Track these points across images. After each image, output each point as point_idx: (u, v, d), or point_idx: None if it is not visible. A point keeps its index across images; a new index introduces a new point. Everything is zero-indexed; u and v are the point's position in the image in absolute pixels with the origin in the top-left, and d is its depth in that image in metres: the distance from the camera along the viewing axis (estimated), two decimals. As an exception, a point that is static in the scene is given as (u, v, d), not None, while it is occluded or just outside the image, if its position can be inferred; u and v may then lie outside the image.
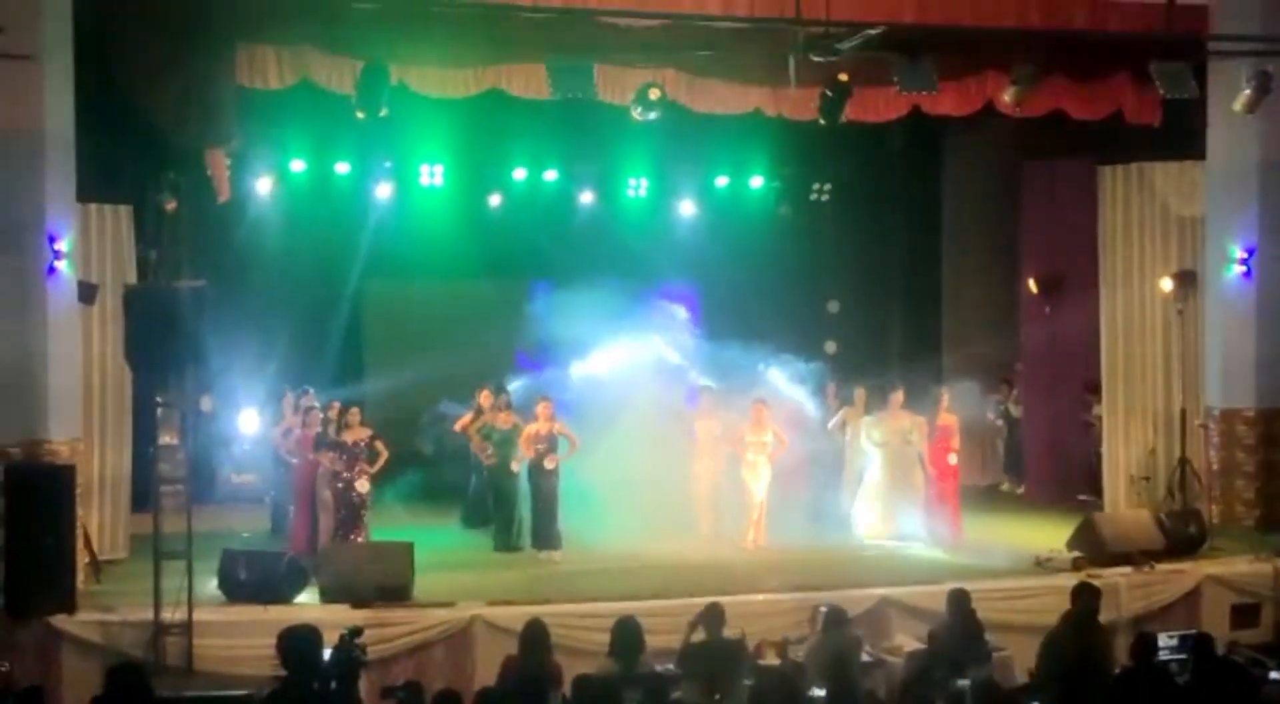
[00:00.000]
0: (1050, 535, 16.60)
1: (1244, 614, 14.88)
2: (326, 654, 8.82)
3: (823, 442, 18.03)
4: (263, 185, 19.04)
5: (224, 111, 14.42)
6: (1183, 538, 15.97)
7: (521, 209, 20.66)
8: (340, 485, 15.65)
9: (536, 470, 16.41)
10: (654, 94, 14.91)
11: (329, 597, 13.68)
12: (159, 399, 14.12)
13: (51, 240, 13.69)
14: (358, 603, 13.42)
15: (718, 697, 10.72)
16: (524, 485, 16.57)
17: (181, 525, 13.10)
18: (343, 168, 19.59)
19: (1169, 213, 18.03)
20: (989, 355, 21.36)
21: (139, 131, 14.94)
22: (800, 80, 14.90)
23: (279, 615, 12.45)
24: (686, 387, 18.42)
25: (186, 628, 12.73)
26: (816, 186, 22.22)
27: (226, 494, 19.09)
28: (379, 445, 15.97)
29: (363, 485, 15.68)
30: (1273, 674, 11.65)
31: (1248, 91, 15.41)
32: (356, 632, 9.49)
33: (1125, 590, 14.70)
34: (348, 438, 15.84)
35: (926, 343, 21.95)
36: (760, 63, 15.52)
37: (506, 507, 16.80)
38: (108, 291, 15.25)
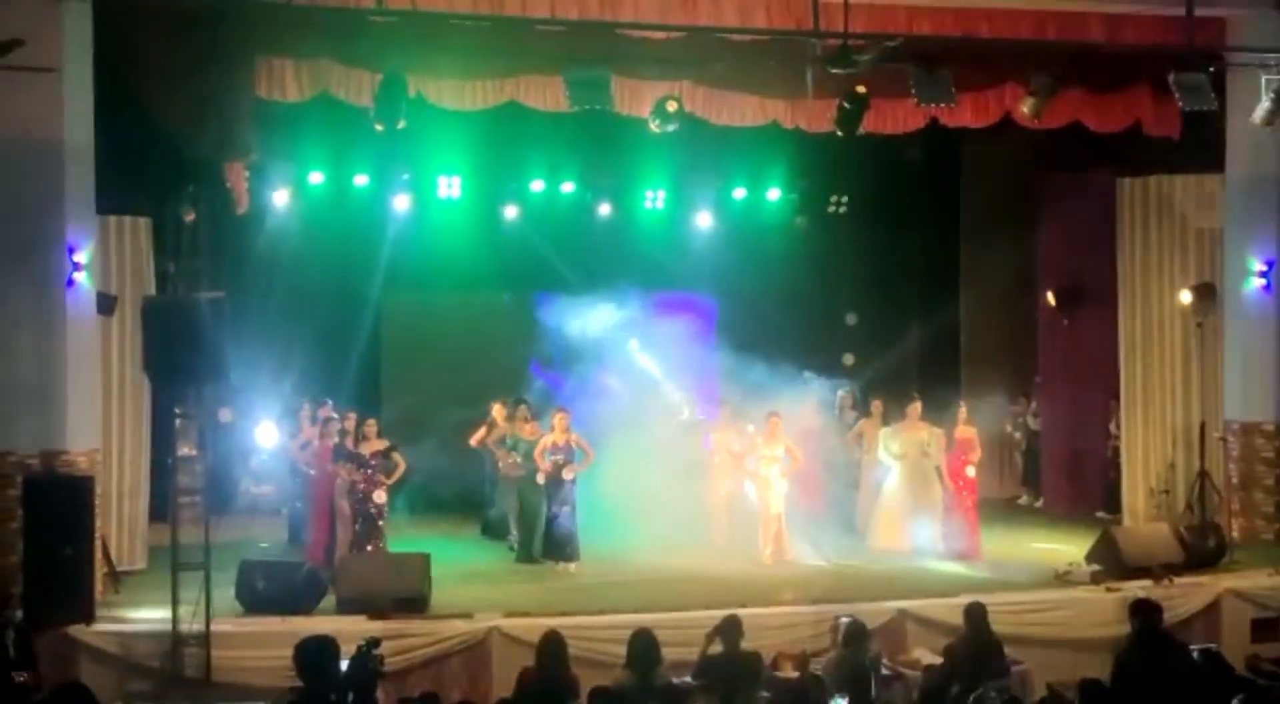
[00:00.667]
0: (1069, 549, 16.57)
1: (1264, 628, 14.80)
2: (344, 665, 8.81)
3: (839, 454, 18.03)
4: (281, 197, 19.06)
5: (242, 124, 14.45)
6: (1202, 551, 15.91)
7: (539, 221, 20.64)
8: (358, 497, 15.68)
9: (553, 482, 16.40)
10: (671, 106, 14.95)
11: (346, 608, 13.69)
12: (177, 410, 14.14)
13: (71, 252, 13.74)
14: (375, 614, 13.42)
15: (735, 709, 10.70)
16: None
17: (199, 536, 13.12)
18: (361, 180, 19.60)
19: (1188, 225, 17.97)
20: (1007, 368, 21.34)
21: (158, 144, 14.98)
22: (818, 92, 14.91)
23: (296, 626, 12.45)
24: (704, 400, 18.42)
25: (204, 639, 12.74)
26: (834, 199, 22.17)
27: (244, 505, 19.10)
28: (396, 457, 16.00)
29: (380, 497, 15.70)
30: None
31: (1267, 104, 15.36)
32: (374, 643, 9.47)
33: (1144, 604, 14.64)
34: (365, 449, 15.86)
35: (944, 355, 21.91)
36: (778, 75, 15.53)
37: (531, 518, 16.80)
38: (127, 303, 15.30)
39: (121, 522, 15.66)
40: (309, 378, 18.87)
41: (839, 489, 18.10)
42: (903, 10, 15.51)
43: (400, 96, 14.27)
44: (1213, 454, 17.39)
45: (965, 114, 16.30)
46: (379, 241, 20.03)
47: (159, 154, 15.48)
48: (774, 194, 21.71)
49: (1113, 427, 19.40)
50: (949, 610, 13.59)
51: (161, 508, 15.30)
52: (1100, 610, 14.63)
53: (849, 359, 22.48)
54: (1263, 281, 17.04)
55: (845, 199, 22.19)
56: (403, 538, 16.26)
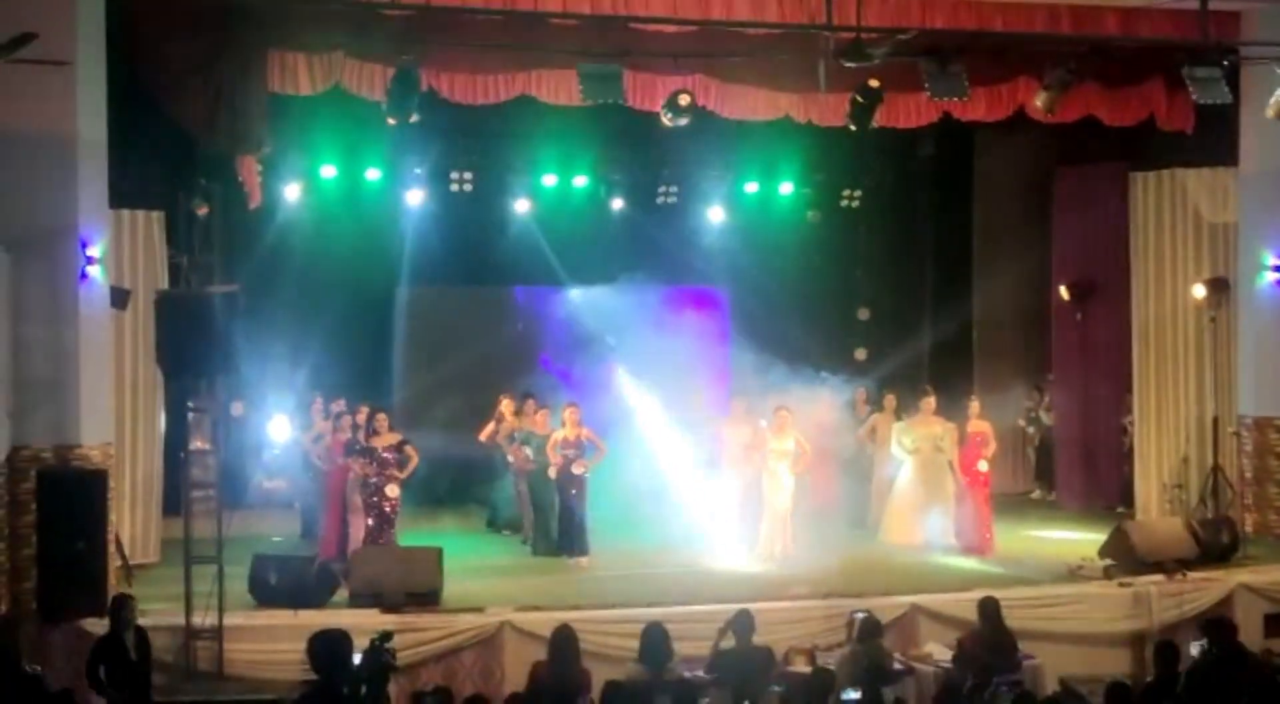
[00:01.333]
0: (1082, 543, 16.56)
1: (1278, 623, 14.78)
2: (356, 659, 8.83)
3: (852, 448, 18.02)
4: (293, 191, 19.08)
5: (255, 118, 14.45)
6: (1215, 546, 15.89)
7: (551, 215, 20.65)
8: (370, 491, 15.69)
9: (564, 476, 16.42)
10: (684, 100, 14.91)
11: (359, 601, 13.72)
12: (190, 404, 14.17)
13: (84, 246, 13.75)
14: (387, 608, 13.44)
15: (746, 703, 10.71)
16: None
17: (212, 530, 13.15)
18: (373, 174, 19.60)
19: (1201, 219, 17.93)
20: (1020, 362, 21.30)
21: (171, 138, 15.02)
22: (830, 86, 14.86)
23: (309, 620, 12.49)
24: (717, 394, 18.42)
25: (217, 632, 12.78)
26: (847, 193, 22.14)
27: (257, 499, 19.14)
28: (409, 450, 16.00)
29: (392, 490, 15.70)
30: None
31: (1281, 97, 15.33)
32: (386, 636, 9.50)
33: (1157, 599, 14.62)
34: (378, 443, 15.86)
35: (957, 350, 21.87)
36: (790, 69, 15.50)
37: (545, 512, 16.83)
38: (140, 297, 15.32)
39: (135, 515, 15.70)
40: (321, 372, 18.88)
41: (852, 484, 18.10)
42: (916, 4, 15.49)
43: (413, 90, 14.28)
44: (1226, 449, 17.37)
45: (978, 108, 16.27)
46: (391, 236, 20.07)
47: (172, 148, 15.52)
48: (786, 188, 21.69)
49: (1126, 421, 19.37)
50: (962, 605, 13.59)
51: (174, 502, 15.32)
52: (1113, 605, 14.64)
53: (861, 354, 22.46)
54: (1276, 276, 16.98)
55: (858, 193, 22.17)
56: (414, 532, 16.28)
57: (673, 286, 20.99)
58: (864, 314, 22.97)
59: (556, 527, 16.57)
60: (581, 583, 15.37)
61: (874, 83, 14.82)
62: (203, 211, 17.35)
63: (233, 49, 14.14)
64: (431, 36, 14.59)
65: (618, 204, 20.98)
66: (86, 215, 13.79)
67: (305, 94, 14.99)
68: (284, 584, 13.75)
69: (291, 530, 17.86)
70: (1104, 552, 15.67)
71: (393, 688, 9.99)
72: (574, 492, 16.38)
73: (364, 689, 8.80)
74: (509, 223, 20.59)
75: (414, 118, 14.58)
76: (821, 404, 17.40)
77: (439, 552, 14.27)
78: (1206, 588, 14.97)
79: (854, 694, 10.90)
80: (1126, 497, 19.09)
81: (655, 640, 11.33)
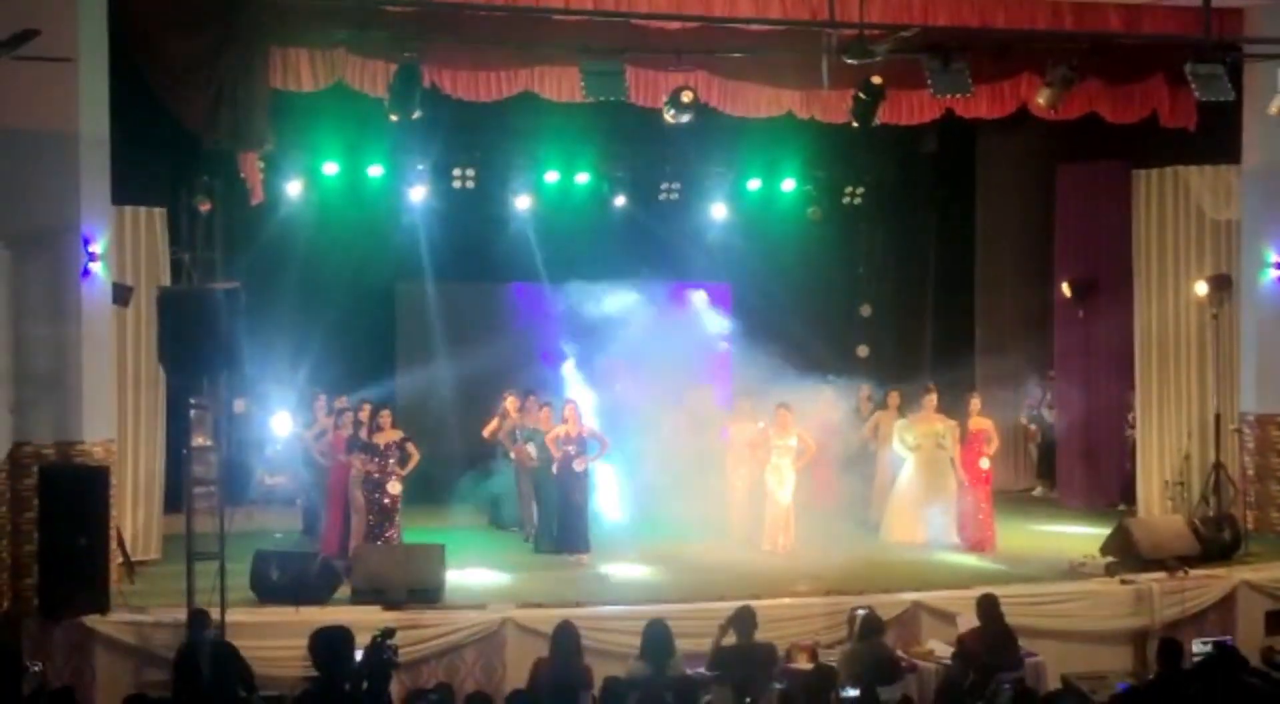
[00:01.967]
0: (1084, 540, 16.55)
1: (1279, 620, 14.77)
2: (358, 655, 8.84)
3: (855, 445, 18.02)
4: (295, 188, 19.05)
5: (257, 114, 14.42)
6: (1217, 543, 15.89)
7: (553, 212, 20.64)
8: (372, 487, 15.69)
9: (565, 472, 16.42)
10: (686, 97, 14.92)
11: (361, 598, 13.73)
12: (192, 401, 14.16)
13: (86, 242, 13.75)
14: (389, 604, 13.45)
15: (749, 700, 10.71)
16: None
17: (214, 527, 13.12)
18: (375, 171, 19.58)
19: (1204, 217, 17.92)
20: (1022, 359, 21.28)
21: (173, 134, 15.00)
22: (833, 83, 14.85)
23: (311, 617, 12.51)
24: (721, 391, 18.41)
25: (219, 629, 12.76)
26: (849, 190, 22.12)
27: (259, 496, 19.14)
28: (410, 447, 16.01)
29: (394, 487, 15.71)
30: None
31: (1284, 94, 15.32)
32: (388, 633, 9.51)
33: (1159, 596, 14.62)
34: (379, 440, 15.87)
35: (959, 347, 21.85)
36: (793, 65, 15.50)
37: (547, 509, 16.83)
38: (142, 293, 15.33)
39: (136, 512, 15.71)
40: (323, 368, 18.87)
41: (854, 481, 18.09)
42: (919, 0, 15.47)
43: (415, 87, 14.29)
44: (1228, 446, 17.35)
45: (981, 105, 16.26)
46: (393, 232, 20.06)
47: (174, 145, 15.53)
48: (789, 185, 21.67)
49: (1128, 418, 19.36)
50: (963, 602, 13.58)
51: (176, 498, 15.34)
52: (1115, 603, 14.65)
53: (864, 350, 22.46)
54: (1278, 273, 16.97)
55: (860, 190, 22.15)
56: (416, 528, 16.28)
57: (675, 283, 20.97)
58: (866, 311, 22.95)
59: (558, 523, 16.56)
60: (583, 580, 15.37)
61: (876, 79, 14.83)
62: (205, 208, 17.39)
63: (235, 45, 14.13)
64: (433, 33, 14.62)
65: (620, 201, 20.96)
66: (89, 212, 13.79)
67: (307, 90, 14.98)
68: (286, 581, 13.75)
69: (293, 527, 17.86)
70: (1106, 549, 15.66)
71: (394, 685, 10.00)
72: (576, 489, 16.38)
73: (366, 686, 8.81)
74: (511, 219, 20.56)
75: (416, 114, 14.60)
76: (824, 401, 17.40)
77: (441, 548, 14.27)
78: (1208, 585, 14.97)
79: (854, 692, 10.90)
80: (1128, 494, 19.08)
81: (657, 637, 11.34)
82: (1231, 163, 17.43)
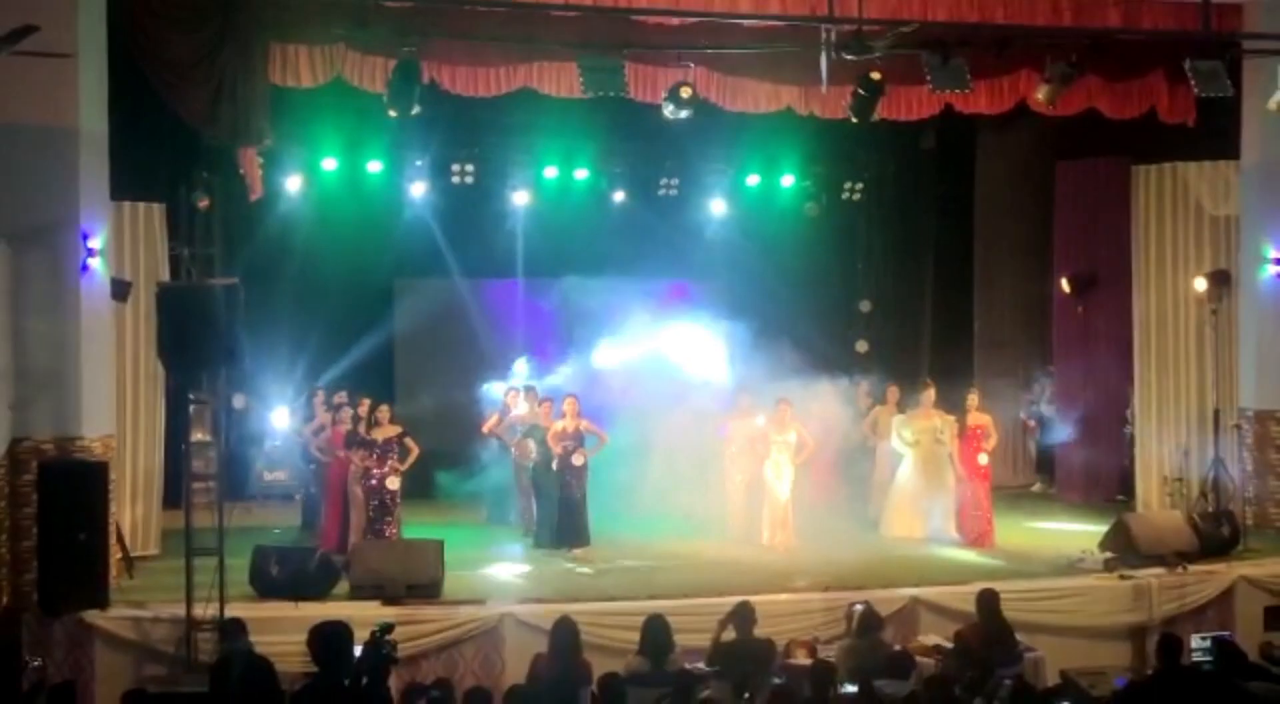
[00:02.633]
0: (1083, 536, 16.55)
1: (1278, 615, 14.76)
2: (357, 651, 8.83)
3: (854, 441, 18.02)
4: (294, 184, 19.08)
5: (256, 110, 14.43)
6: (1216, 539, 15.88)
7: (552, 208, 20.64)
8: (371, 483, 15.70)
9: (564, 468, 16.42)
10: (685, 92, 14.92)
11: (359, 594, 13.72)
12: (192, 396, 14.18)
13: (85, 238, 13.74)
14: (388, 600, 13.45)
15: (747, 695, 10.71)
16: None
17: (213, 522, 13.15)
18: (374, 166, 19.60)
19: (1203, 212, 17.93)
20: (1021, 355, 21.28)
21: (172, 130, 15.02)
22: (832, 79, 14.86)
23: (310, 612, 12.49)
24: (720, 387, 18.40)
25: (218, 624, 12.77)
26: (848, 185, 22.16)
27: (258, 491, 19.19)
28: (409, 443, 16.02)
29: (393, 483, 15.72)
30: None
31: (1284, 90, 15.32)
32: (387, 628, 9.48)
33: (1158, 591, 14.63)
34: (378, 435, 15.88)
35: (958, 342, 21.87)
36: (792, 61, 15.49)
37: (546, 504, 16.83)
38: (141, 289, 15.34)
39: (135, 507, 15.72)
40: (322, 364, 18.89)
41: (852, 477, 18.10)
42: (917, -4, 15.49)
43: (414, 83, 14.30)
44: (1227, 441, 17.36)
45: (980, 101, 16.26)
46: (392, 228, 20.06)
47: (173, 140, 15.53)
48: (788, 180, 21.69)
49: (1127, 414, 19.37)
50: (961, 598, 13.60)
51: (175, 494, 15.35)
52: (1114, 598, 14.64)
53: (863, 346, 22.47)
54: (1278, 269, 16.97)
55: (859, 186, 22.19)
56: (414, 524, 16.28)
57: (674, 279, 20.97)
58: (865, 306, 22.97)
59: (557, 518, 16.56)
60: (582, 575, 15.38)
61: (875, 75, 14.83)
62: (204, 204, 17.38)
63: (234, 41, 14.14)
64: (433, 28, 14.62)
65: (619, 197, 20.98)
66: (88, 207, 13.79)
67: (306, 86, 14.99)
68: (285, 576, 13.76)
69: (292, 522, 17.86)
70: (1105, 544, 15.66)
71: (393, 680, 9.98)
72: (574, 483, 16.39)
73: (364, 681, 8.79)
74: (510, 215, 20.59)
75: (415, 110, 14.60)
76: (823, 396, 17.39)
77: (440, 544, 14.27)
78: (1207, 581, 14.97)
79: (853, 687, 10.90)
80: (1127, 489, 19.09)
81: (656, 632, 11.35)
82: (1230, 159, 17.45)
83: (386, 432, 15.92)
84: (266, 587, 13.75)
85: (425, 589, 13.76)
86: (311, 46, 14.80)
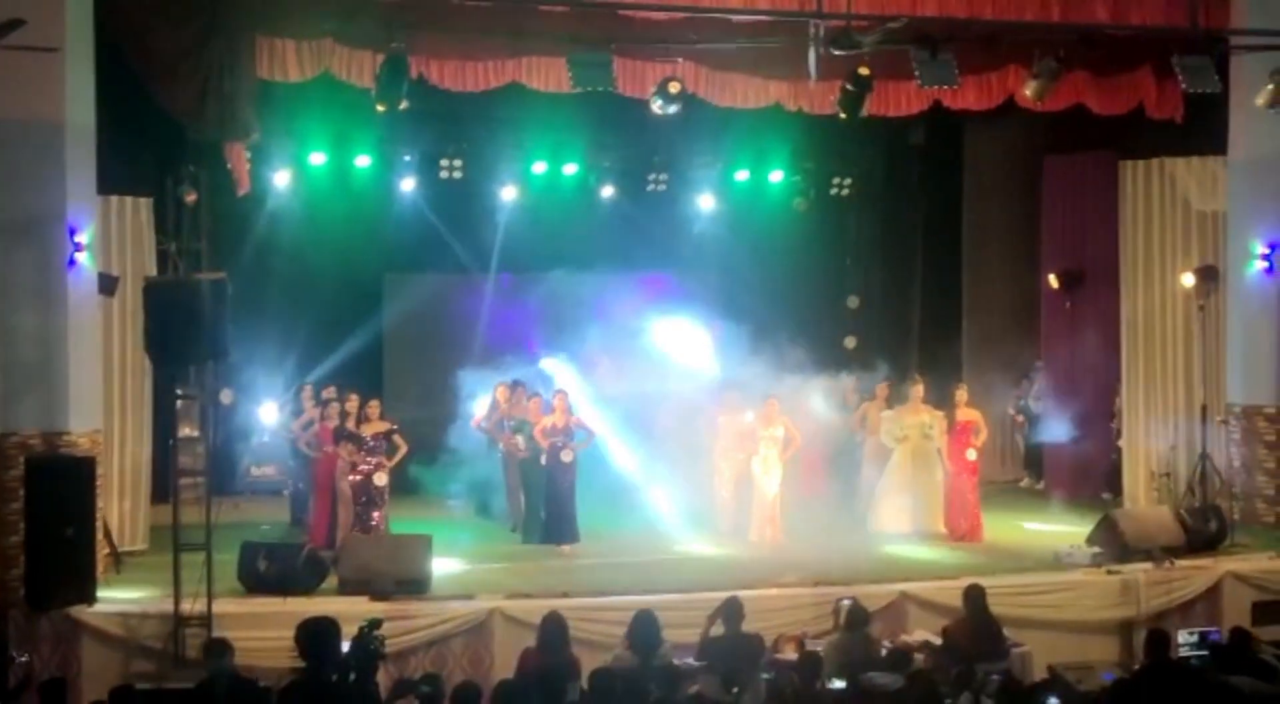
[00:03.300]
0: (1070, 531, 16.58)
1: (1265, 611, 14.80)
2: (345, 646, 8.82)
3: (842, 437, 18.02)
4: (282, 178, 19.00)
5: (244, 104, 14.42)
6: (1203, 534, 15.92)
7: (541, 203, 20.61)
8: (359, 478, 15.69)
9: (553, 463, 16.41)
10: (674, 87, 14.89)
11: (348, 589, 13.71)
12: (179, 391, 14.15)
13: (72, 232, 13.73)
14: (376, 595, 13.44)
15: (736, 690, 10.72)
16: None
17: (201, 517, 13.14)
18: (363, 161, 19.54)
19: (1190, 208, 17.95)
20: (1009, 350, 21.30)
21: (159, 124, 14.95)
22: (820, 74, 14.88)
23: (298, 607, 12.47)
24: (709, 382, 18.41)
25: (206, 619, 12.75)
26: (836, 181, 22.13)
27: (246, 486, 19.17)
28: (398, 439, 16.02)
29: (381, 478, 15.71)
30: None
31: (1270, 86, 15.32)
32: (375, 624, 9.49)
33: (1145, 587, 14.66)
34: (366, 431, 15.86)
35: (946, 338, 21.88)
36: (780, 57, 15.51)
37: (535, 499, 16.82)
38: (128, 284, 15.30)
39: (123, 502, 15.69)
40: (310, 359, 18.87)
41: (841, 472, 18.10)
42: (906, -9, 15.49)
43: (402, 77, 14.26)
44: (1215, 437, 17.39)
45: (968, 96, 16.27)
46: (380, 223, 20.02)
47: (160, 134, 15.45)
48: (776, 176, 21.67)
49: (1115, 409, 19.39)
50: (949, 592, 13.61)
51: (163, 489, 15.31)
52: (1101, 593, 14.67)
53: (851, 342, 22.46)
54: (1265, 264, 17.02)
55: (848, 181, 22.16)
56: (403, 519, 16.27)
57: (662, 274, 20.94)
58: (853, 302, 22.96)
59: (546, 514, 16.56)
60: (571, 570, 15.36)
61: (864, 71, 14.82)
62: (191, 198, 17.25)
63: (221, 35, 14.11)
64: (421, 23, 14.59)
65: (607, 191, 20.94)
66: (75, 202, 13.77)
67: (294, 80, 14.95)
68: (273, 571, 13.73)
69: (280, 517, 17.85)
70: (1092, 540, 15.69)
71: (382, 675, 9.98)
72: (563, 479, 16.38)
73: (353, 677, 8.79)
74: (498, 210, 20.55)
75: (403, 105, 14.56)
76: (811, 392, 17.41)
77: (428, 539, 14.26)
78: (1194, 576, 15.00)
79: (841, 683, 10.92)
80: (1115, 485, 19.11)
81: (645, 628, 11.34)
82: (1218, 154, 17.47)
83: (375, 427, 15.91)
84: (254, 582, 13.72)
85: (414, 584, 13.76)
86: (299, 41, 14.76)
